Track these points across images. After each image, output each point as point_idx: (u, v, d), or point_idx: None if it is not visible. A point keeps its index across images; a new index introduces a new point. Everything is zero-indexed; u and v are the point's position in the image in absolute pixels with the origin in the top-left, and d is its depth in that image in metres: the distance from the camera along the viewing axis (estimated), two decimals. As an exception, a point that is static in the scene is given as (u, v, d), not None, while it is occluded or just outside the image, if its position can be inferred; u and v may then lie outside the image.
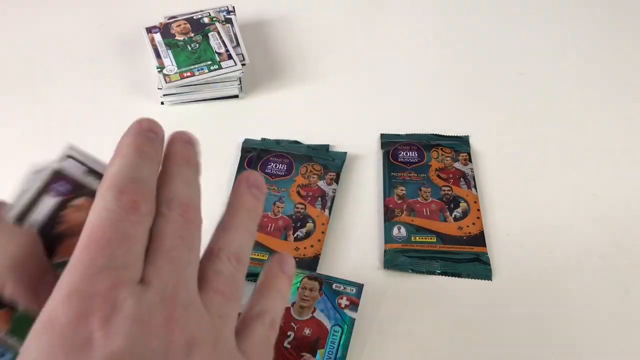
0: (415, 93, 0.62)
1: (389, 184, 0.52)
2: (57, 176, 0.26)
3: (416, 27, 0.71)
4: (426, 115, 0.60)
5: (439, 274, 0.46)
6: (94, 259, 0.18)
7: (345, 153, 0.55)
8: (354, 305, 0.43)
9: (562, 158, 0.55)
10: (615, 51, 0.67)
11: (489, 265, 0.46)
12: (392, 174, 0.52)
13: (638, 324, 0.43)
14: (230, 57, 0.60)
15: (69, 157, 0.27)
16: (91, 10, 0.74)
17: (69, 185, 0.26)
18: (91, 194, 0.25)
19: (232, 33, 0.64)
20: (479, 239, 0.47)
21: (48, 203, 0.26)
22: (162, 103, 0.61)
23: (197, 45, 0.61)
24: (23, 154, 0.57)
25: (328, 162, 0.53)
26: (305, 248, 0.47)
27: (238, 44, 0.63)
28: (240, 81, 0.60)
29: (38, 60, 0.67)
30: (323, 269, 0.47)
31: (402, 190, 0.51)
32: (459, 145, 0.55)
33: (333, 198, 0.51)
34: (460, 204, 0.50)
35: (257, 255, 0.46)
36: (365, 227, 0.50)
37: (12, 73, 0.65)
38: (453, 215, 0.49)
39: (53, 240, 0.25)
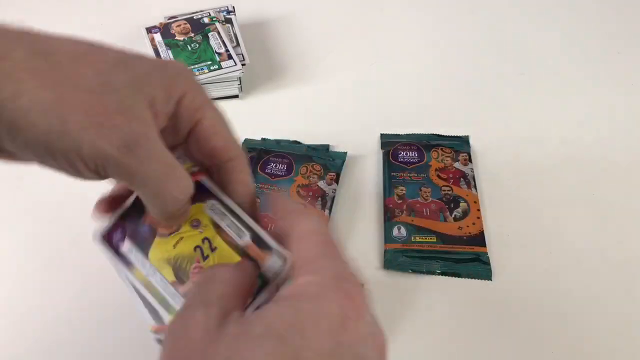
0: (415, 93, 0.62)
1: (389, 184, 0.52)
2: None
3: (416, 27, 0.71)
4: (426, 115, 0.60)
5: (439, 274, 0.46)
6: None
7: (345, 153, 0.55)
8: None
9: (561, 157, 0.55)
10: (615, 51, 0.67)
11: (489, 265, 0.46)
12: (392, 174, 0.52)
13: (638, 324, 0.43)
14: (230, 57, 0.60)
15: None
16: (91, 10, 0.74)
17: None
18: None
19: (232, 33, 0.64)
20: (479, 239, 0.47)
21: None
22: (162, 103, 0.61)
23: (197, 45, 0.61)
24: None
25: (328, 162, 0.53)
26: (305, 248, 0.47)
27: (238, 44, 0.63)
28: (240, 81, 0.60)
29: (38, 60, 0.67)
30: (323, 269, 0.47)
31: (402, 190, 0.51)
32: (459, 145, 0.55)
33: (333, 198, 0.51)
34: (460, 204, 0.50)
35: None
36: (365, 227, 0.50)
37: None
38: (453, 215, 0.49)
39: None
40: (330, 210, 0.50)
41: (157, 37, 0.62)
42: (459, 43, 0.69)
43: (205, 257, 0.31)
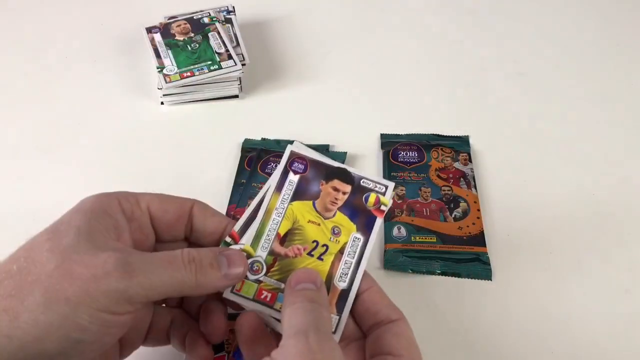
0: (416, 93, 0.62)
1: (389, 184, 0.52)
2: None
3: (416, 27, 0.71)
4: (426, 115, 0.60)
5: (439, 274, 0.46)
6: None
7: (345, 153, 0.55)
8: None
9: (562, 158, 0.55)
10: (615, 50, 0.67)
11: (489, 265, 0.46)
12: (392, 174, 0.52)
13: (638, 324, 0.43)
14: (230, 57, 0.60)
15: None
16: (91, 10, 0.74)
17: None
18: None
19: (232, 33, 0.64)
20: (479, 239, 0.47)
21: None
22: (162, 103, 0.61)
23: (197, 45, 0.61)
24: (23, 154, 0.57)
25: (328, 162, 0.53)
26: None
27: (238, 44, 0.63)
28: (240, 81, 0.60)
29: (38, 60, 0.67)
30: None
31: (402, 190, 0.51)
32: (459, 145, 0.55)
33: (333, 198, 0.51)
34: (460, 204, 0.50)
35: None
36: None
37: (12, 73, 0.65)
38: (453, 215, 0.49)
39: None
40: (330, 210, 0.50)
41: (157, 37, 0.62)
42: (459, 42, 0.69)
43: (311, 255, 0.33)
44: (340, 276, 0.32)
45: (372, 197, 0.34)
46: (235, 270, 0.30)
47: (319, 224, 0.33)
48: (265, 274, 0.32)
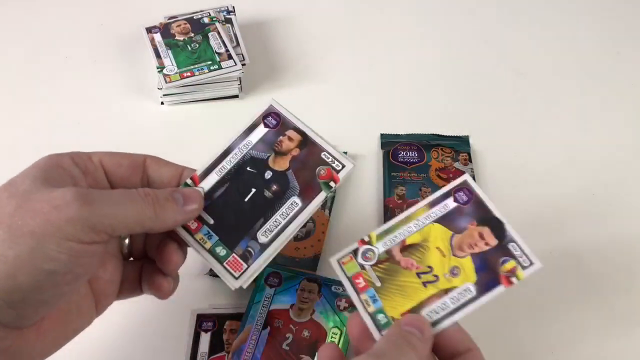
0: (415, 93, 0.62)
1: (389, 184, 0.52)
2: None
3: (416, 27, 0.71)
4: (426, 115, 0.60)
5: (439, 274, 0.46)
6: None
7: (345, 153, 0.55)
8: (353, 307, 0.42)
9: (562, 158, 0.55)
10: (615, 50, 0.67)
11: (489, 265, 0.46)
12: (392, 174, 0.52)
13: (638, 324, 0.43)
14: (230, 57, 0.60)
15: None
16: (91, 10, 0.74)
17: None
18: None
19: (232, 33, 0.64)
20: (479, 239, 0.47)
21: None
22: (162, 103, 0.61)
23: (197, 45, 0.61)
24: (23, 154, 0.57)
25: (328, 162, 0.53)
26: (305, 248, 0.47)
27: (238, 44, 0.63)
28: (240, 81, 0.60)
29: (38, 60, 0.67)
30: (323, 269, 0.47)
31: (402, 190, 0.51)
32: (459, 145, 0.55)
33: (333, 198, 0.51)
34: (460, 204, 0.50)
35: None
36: (365, 227, 0.50)
37: (12, 73, 0.65)
38: (453, 216, 0.49)
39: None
40: (330, 210, 0.50)
41: (157, 37, 0.62)
42: (459, 43, 0.69)
43: (419, 276, 0.33)
44: (430, 312, 0.32)
45: (510, 264, 0.33)
46: (190, 206, 0.32)
47: (444, 256, 0.33)
48: (372, 266, 0.33)
